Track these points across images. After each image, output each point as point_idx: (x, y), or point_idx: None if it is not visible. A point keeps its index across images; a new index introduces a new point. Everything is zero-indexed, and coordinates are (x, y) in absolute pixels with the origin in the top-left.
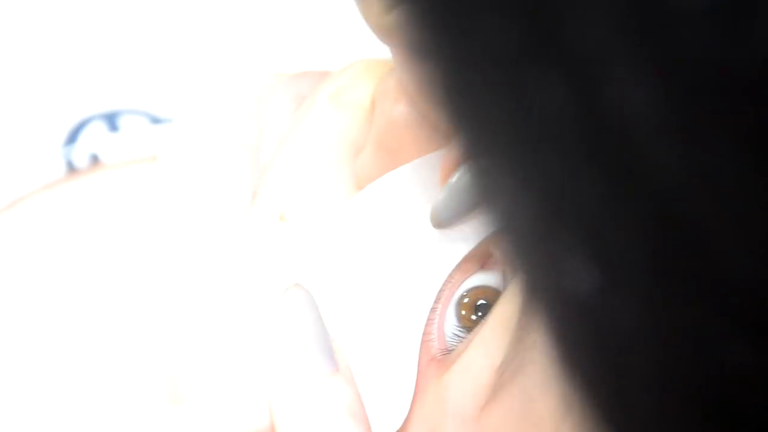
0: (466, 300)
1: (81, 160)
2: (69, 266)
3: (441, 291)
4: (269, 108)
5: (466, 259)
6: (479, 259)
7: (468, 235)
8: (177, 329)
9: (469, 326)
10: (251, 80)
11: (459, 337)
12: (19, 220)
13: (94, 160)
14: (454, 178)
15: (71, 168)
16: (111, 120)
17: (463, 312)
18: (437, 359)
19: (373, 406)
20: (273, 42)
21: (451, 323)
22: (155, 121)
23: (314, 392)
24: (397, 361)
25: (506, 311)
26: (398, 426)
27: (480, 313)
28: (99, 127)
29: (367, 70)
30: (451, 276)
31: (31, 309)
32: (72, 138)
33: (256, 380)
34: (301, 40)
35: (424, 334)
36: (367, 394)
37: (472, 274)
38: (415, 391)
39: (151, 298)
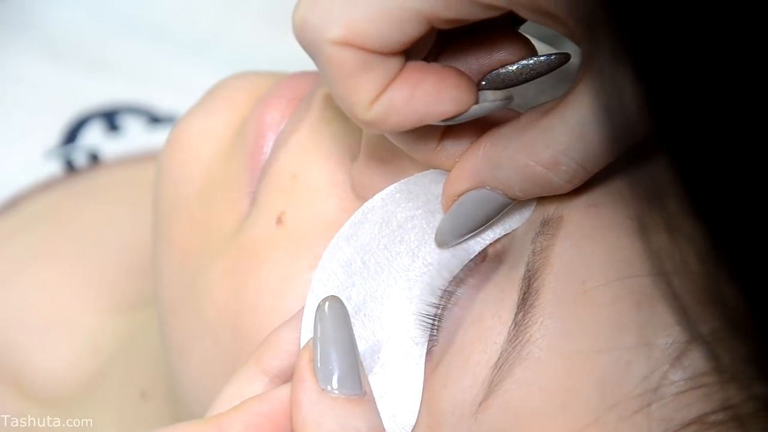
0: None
1: (80, 159)
2: (67, 264)
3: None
4: (267, 109)
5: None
6: (479, 255)
7: (469, 244)
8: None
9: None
10: (249, 80)
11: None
12: (20, 219)
13: (94, 159)
14: (457, 204)
15: (70, 167)
16: (110, 119)
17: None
18: (432, 354)
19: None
20: (271, 42)
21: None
22: (154, 120)
23: (344, 415)
24: (403, 371)
25: (502, 306)
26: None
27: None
28: (98, 126)
29: None
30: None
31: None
32: (71, 137)
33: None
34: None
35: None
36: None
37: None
38: None
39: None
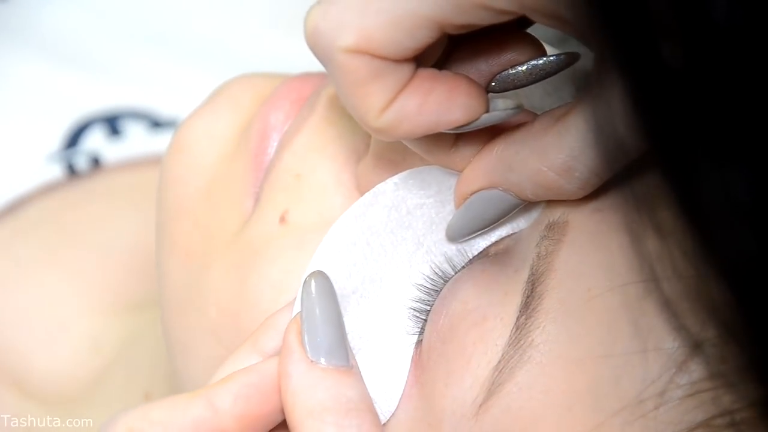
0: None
1: (82, 163)
2: (69, 266)
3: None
4: (271, 110)
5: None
6: (482, 252)
7: (476, 241)
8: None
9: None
10: (254, 81)
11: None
12: (22, 222)
13: (95, 163)
14: (469, 202)
15: (72, 171)
16: (112, 123)
17: None
18: (424, 347)
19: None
20: (273, 46)
21: None
22: (156, 125)
23: (335, 385)
24: (390, 358)
25: (504, 309)
26: (387, 416)
27: None
28: (100, 130)
29: None
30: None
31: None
32: (73, 141)
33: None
34: (303, 41)
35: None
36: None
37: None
38: (412, 386)
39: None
